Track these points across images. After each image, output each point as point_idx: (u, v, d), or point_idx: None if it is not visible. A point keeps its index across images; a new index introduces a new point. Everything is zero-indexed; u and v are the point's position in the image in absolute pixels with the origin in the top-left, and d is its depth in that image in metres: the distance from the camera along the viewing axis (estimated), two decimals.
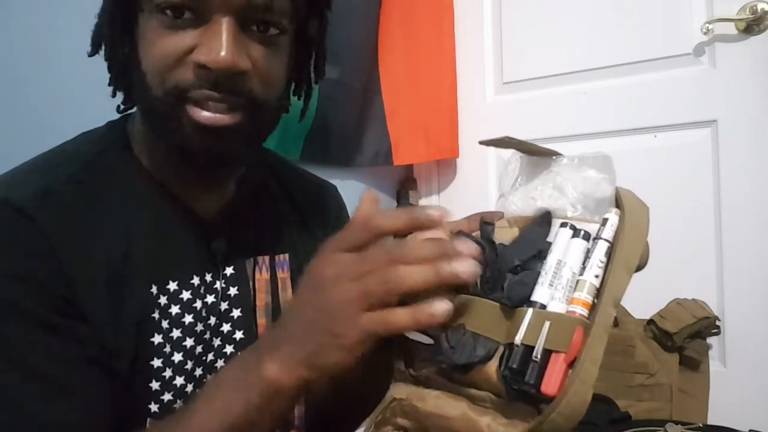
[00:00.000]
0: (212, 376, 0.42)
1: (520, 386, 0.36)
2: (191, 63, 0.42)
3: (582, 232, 0.35)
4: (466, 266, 0.33)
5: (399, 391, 0.42)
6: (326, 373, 0.35)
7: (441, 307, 0.33)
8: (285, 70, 0.49)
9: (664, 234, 1.14)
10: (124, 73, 0.47)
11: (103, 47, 0.48)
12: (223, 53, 0.41)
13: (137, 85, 0.45)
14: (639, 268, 0.34)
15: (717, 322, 1.01)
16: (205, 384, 0.40)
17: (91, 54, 0.49)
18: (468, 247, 0.34)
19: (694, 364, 0.98)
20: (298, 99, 0.56)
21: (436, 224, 0.35)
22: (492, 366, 0.37)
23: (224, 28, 0.42)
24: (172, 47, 0.42)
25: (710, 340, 1.03)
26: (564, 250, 0.35)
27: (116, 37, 0.46)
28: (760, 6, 1.06)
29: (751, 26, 1.08)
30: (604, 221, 0.35)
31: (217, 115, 0.43)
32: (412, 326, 0.34)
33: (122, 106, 0.52)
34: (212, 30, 0.42)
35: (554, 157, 0.38)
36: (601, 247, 0.34)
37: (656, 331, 0.98)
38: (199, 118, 0.43)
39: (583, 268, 0.35)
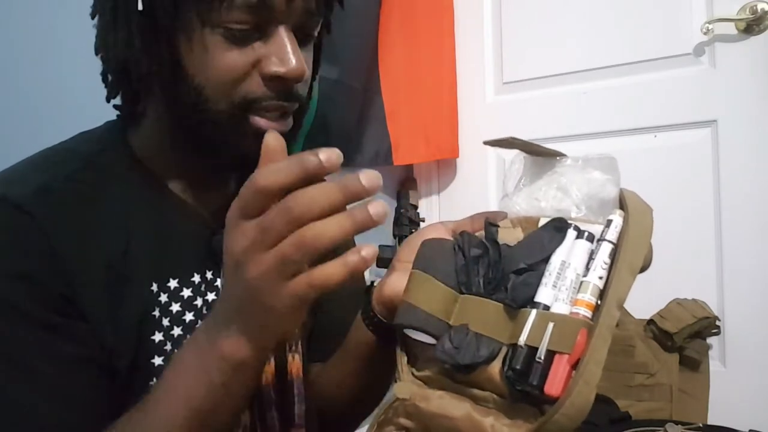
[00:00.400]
0: (168, 363, 0.41)
1: (523, 387, 0.36)
2: (257, 75, 0.44)
3: (586, 234, 0.36)
4: (378, 206, 0.31)
5: (402, 391, 0.42)
6: (279, 340, 0.36)
7: (370, 248, 0.32)
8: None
9: (664, 234, 1.13)
10: (146, 86, 0.47)
11: (107, 57, 0.47)
12: (294, 63, 0.43)
13: (186, 98, 0.45)
14: (642, 269, 0.34)
15: (717, 322, 1.01)
16: (163, 372, 0.40)
17: (107, 99, 0.49)
18: (369, 179, 0.31)
19: (694, 364, 0.98)
20: None
21: (329, 169, 0.32)
22: (495, 366, 0.37)
23: (288, 38, 0.44)
24: (239, 61, 0.43)
25: (710, 340, 1.03)
26: (568, 252, 0.35)
27: (155, 51, 0.44)
28: (760, 6, 1.06)
29: (751, 26, 1.08)
30: (608, 223, 0.35)
31: (276, 122, 0.45)
32: (344, 277, 0.32)
33: (119, 116, 0.51)
34: (277, 42, 0.44)
35: (558, 158, 0.38)
36: (605, 249, 0.34)
37: (656, 331, 0.98)
38: (263, 126, 0.45)
39: (587, 269, 0.35)
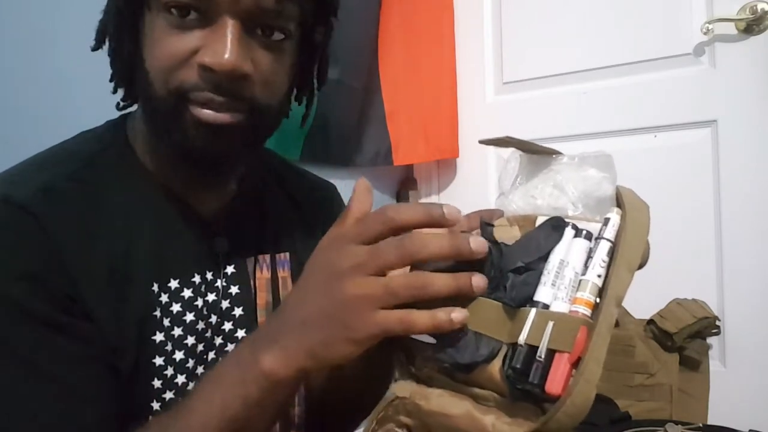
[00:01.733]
0: (208, 371, 0.41)
1: (523, 386, 0.36)
2: (195, 64, 0.42)
3: (584, 232, 0.36)
4: (480, 281, 0.35)
5: (402, 389, 0.42)
6: (328, 364, 0.35)
7: (460, 314, 0.34)
8: (288, 75, 0.48)
9: (664, 234, 1.14)
10: (127, 71, 0.47)
11: (107, 43, 0.48)
12: (227, 56, 0.41)
13: (140, 83, 0.45)
14: (640, 266, 0.34)
15: (717, 322, 1.01)
16: (201, 380, 0.40)
17: (94, 48, 0.49)
18: (478, 244, 0.34)
19: (694, 364, 0.98)
20: (299, 104, 0.56)
21: (451, 223, 0.35)
22: (495, 365, 0.37)
23: (229, 30, 0.42)
24: (177, 47, 0.42)
25: (710, 340, 1.03)
26: (566, 250, 0.35)
27: (121, 33, 0.45)
28: (760, 6, 1.06)
29: (751, 26, 1.08)
30: (606, 221, 0.35)
31: (219, 114, 0.43)
32: (429, 329, 0.34)
33: (122, 103, 0.51)
34: (217, 32, 0.42)
35: (554, 156, 0.38)
36: (604, 247, 0.34)
37: (656, 331, 0.98)
38: (200, 116, 0.43)
39: (586, 267, 0.35)
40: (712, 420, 0.90)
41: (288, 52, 0.47)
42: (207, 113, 0.43)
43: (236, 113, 0.44)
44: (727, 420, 0.81)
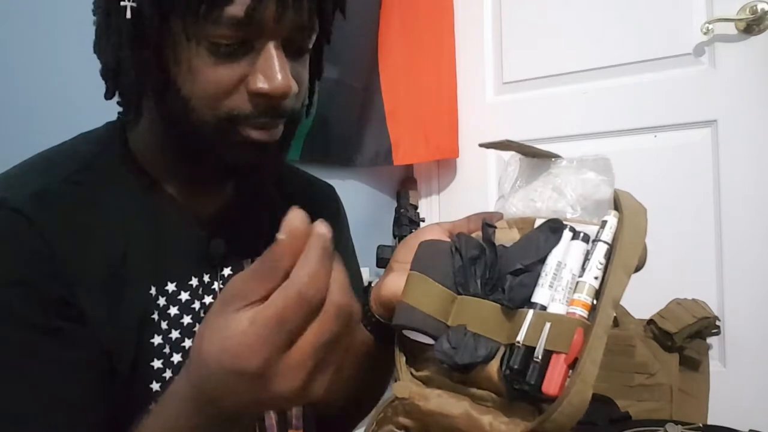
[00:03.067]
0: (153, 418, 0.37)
1: (521, 386, 0.36)
2: (244, 91, 0.44)
3: (582, 235, 0.36)
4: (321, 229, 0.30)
5: (401, 390, 0.42)
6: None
7: None
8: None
9: (664, 234, 1.15)
10: (136, 94, 0.47)
11: (102, 59, 0.47)
12: (280, 80, 0.43)
13: (174, 108, 0.45)
14: (637, 269, 0.35)
15: (717, 322, 1.01)
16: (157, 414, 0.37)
17: (107, 98, 0.48)
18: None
19: (694, 364, 0.98)
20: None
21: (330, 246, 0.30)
22: (493, 366, 0.38)
23: (275, 54, 0.43)
24: (226, 76, 0.43)
25: (710, 340, 1.03)
26: (564, 252, 0.36)
27: (145, 63, 0.44)
28: (760, 6, 1.06)
29: (751, 26, 1.08)
30: (603, 223, 0.35)
31: (265, 133, 0.45)
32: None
33: (126, 118, 0.51)
34: (264, 58, 0.43)
35: (553, 159, 0.38)
36: (601, 249, 0.35)
37: (656, 331, 0.98)
38: (250, 137, 0.45)
39: (583, 269, 0.35)
40: (712, 420, 0.90)
41: (307, 61, 0.49)
42: (255, 133, 0.45)
43: (277, 128, 0.46)
44: (727, 420, 0.81)
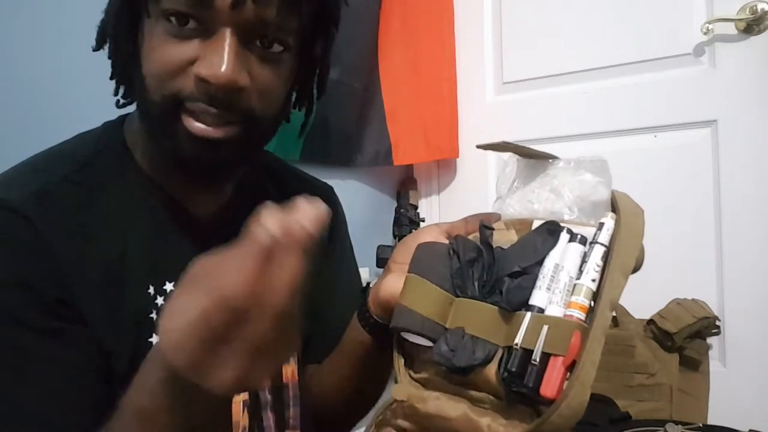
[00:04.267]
0: (124, 412, 0.37)
1: (519, 388, 0.36)
2: (192, 74, 0.42)
3: (579, 237, 0.36)
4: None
5: (399, 392, 0.42)
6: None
7: None
8: (286, 86, 0.48)
9: (664, 234, 1.15)
10: (126, 72, 0.47)
11: (107, 44, 0.48)
12: (223, 68, 0.41)
13: (136, 86, 0.45)
14: (634, 270, 0.35)
15: (717, 322, 1.01)
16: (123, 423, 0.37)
17: (95, 49, 0.49)
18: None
19: (694, 364, 0.98)
20: (299, 110, 0.56)
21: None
22: (491, 368, 0.38)
23: (227, 42, 0.41)
24: (174, 56, 0.42)
25: (710, 340, 1.03)
26: (561, 255, 0.36)
27: (120, 36, 0.46)
28: (760, 6, 1.06)
29: (751, 26, 1.08)
30: (600, 225, 0.35)
31: (210, 128, 0.43)
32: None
33: (122, 101, 0.51)
34: (215, 43, 0.42)
35: (551, 161, 0.38)
36: (598, 252, 0.35)
37: (656, 331, 0.99)
38: (192, 129, 0.43)
39: (580, 272, 0.35)
40: (712, 420, 0.90)
41: (286, 63, 0.47)
42: (199, 127, 0.43)
43: (230, 126, 0.44)
44: (727, 420, 0.81)
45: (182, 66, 0.42)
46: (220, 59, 0.41)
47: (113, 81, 0.50)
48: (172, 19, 0.42)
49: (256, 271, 0.29)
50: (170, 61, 0.42)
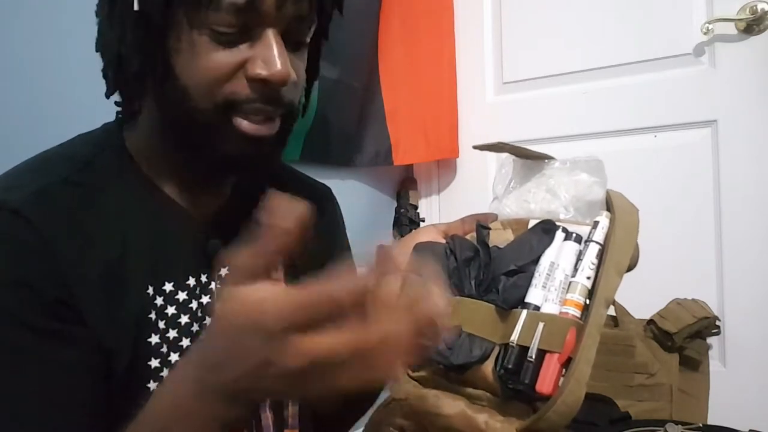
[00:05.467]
0: (153, 406, 0.37)
1: (515, 385, 0.36)
2: (242, 77, 0.44)
3: (574, 235, 0.36)
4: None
5: (398, 391, 0.42)
6: None
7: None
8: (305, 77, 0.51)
9: (664, 234, 1.15)
10: (138, 86, 0.47)
11: (105, 54, 0.48)
12: (279, 66, 0.43)
13: (173, 97, 0.45)
14: (629, 269, 0.35)
15: (717, 322, 1.01)
16: (154, 408, 0.36)
17: (108, 95, 0.49)
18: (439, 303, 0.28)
19: (694, 364, 0.98)
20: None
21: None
22: (488, 366, 0.38)
23: (274, 41, 0.44)
24: (224, 62, 0.44)
25: (710, 340, 1.03)
26: (557, 253, 0.36)
27: (145, 50, 0.45)
28: (760, 6, 1.06)
29: (751, 26, 1.08)
30: (595, 224, 0.36)
31: (261, 126, 0.45)
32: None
33: (124, 116, 0.52)
34: (263, 44, 0.44)
35: (547, 161, 0.39)
36: (593, 250, 0.35)
37: (656, 331, 0.98)
38: (246, 129, 0.45)
39: (575, 270, 0.35)
40: (712, 420, 0.90)
41: (305, 56, 0.49)
42: (251, 126, 0.45)
43: (274, 122, 0.46)
44: (727, 420, 0.81)
45: (232, 71, 0.44)
46: (274, 58, 0.43)
47: (113, 93, 0.49)
48: (221, 28, 0.43)
49: (364, 286, 0.28)
50: (220, 68, 0.44)
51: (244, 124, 0.45)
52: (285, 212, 0.30)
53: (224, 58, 0.44)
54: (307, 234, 0.29)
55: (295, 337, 0.28)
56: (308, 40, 0.48)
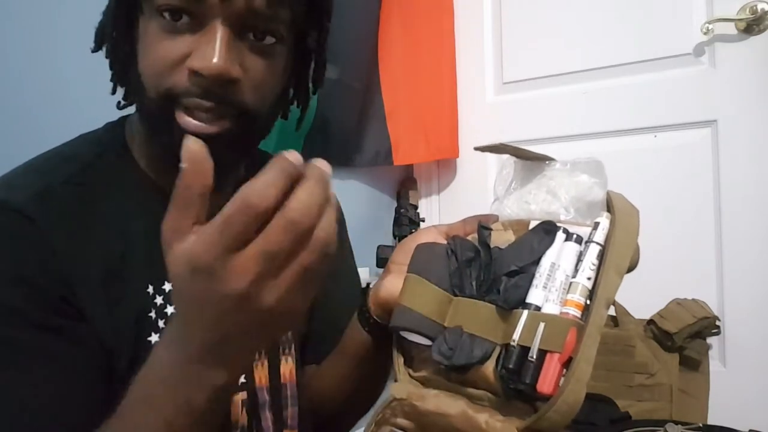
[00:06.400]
0: (137, 385, 0.37)
1: (516, 385, 0.36)
2: (186, 69, 0.42)
3: (574, 236, 0.36)
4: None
5: (399, 391, 0.43)
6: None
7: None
8: (280, 79, 0.48)
9: (664, 234, 1.15)
10: (124, 72, 0.48)
11: (105, 44, 0.49)
12: (215, 60, 0.41)
13: (133, 84, 0.46)
14: (629, 269, 0.35)
15: (717, 322, 1.01)
16: (134, 396, 0.37)
17: (94, 50, 0.49)
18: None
19: (694, 364, 0.98)
20: (296, 107, 0.56)
21: (301, 168, 0.30)
22: (489, 366, 0.38)
23: (219, 35, 0.41)
24: (168, 51, 0.42)
25: (710, 340, 1.03)
26: (557, 254, 0.36)
27: (118, 35, 0.46)
28: (760, 6, 1.06)
29: (751, 26, 1.08)
30: (596, 225, 0.36)
31: (204, 123, 0.43)
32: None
33: (122, 103, 0.52)
34: (207, 36, 0.42)
35: (547, 162, 0.39)
36: (593, 251, 0.35)
37: (656, 331, 0.98)
38: (186, 125, 0.43)
39: (576, 270, 0.36)
40: (712, 420, 0.90)
41: (280, 55, 0.47)
42: (193, 123, 0.43)
43: (223, 121, 0.44)
44: (727, 420, 0.81)
45: (176, 61, 0.42)
46: (212, 51, 0.41)
47: (111, 82, 0.50)
48: (166, 14, 0.42)
49: (278, 181, 0.29)
50: (164, 57, 0.42)
51: (185, 118, 0.43)
52: (193, 156, 0.31)
53: (169, 46, 0.42)
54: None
55: (233, 256, 0.29)
56: (275, 41, 0.45)
